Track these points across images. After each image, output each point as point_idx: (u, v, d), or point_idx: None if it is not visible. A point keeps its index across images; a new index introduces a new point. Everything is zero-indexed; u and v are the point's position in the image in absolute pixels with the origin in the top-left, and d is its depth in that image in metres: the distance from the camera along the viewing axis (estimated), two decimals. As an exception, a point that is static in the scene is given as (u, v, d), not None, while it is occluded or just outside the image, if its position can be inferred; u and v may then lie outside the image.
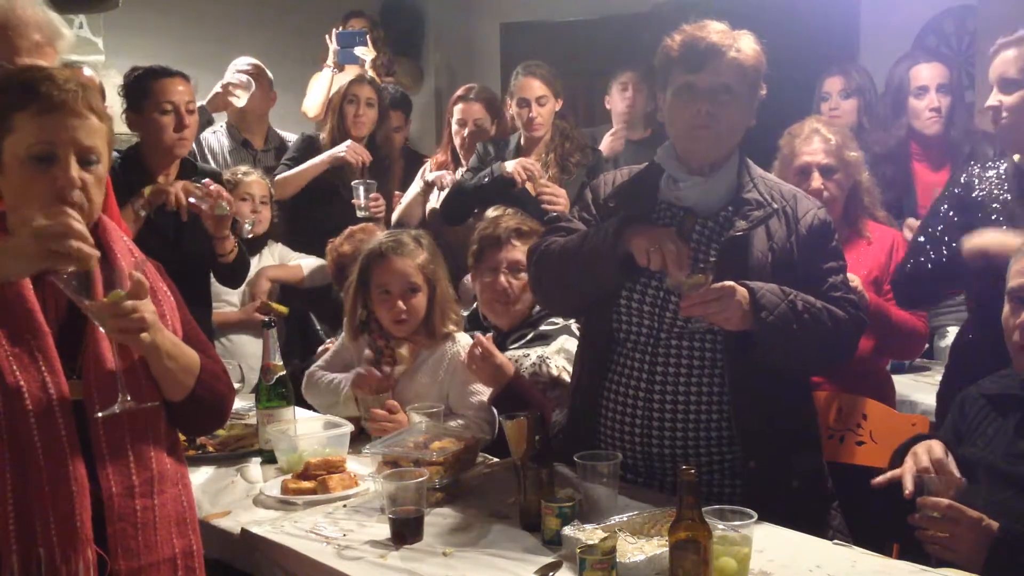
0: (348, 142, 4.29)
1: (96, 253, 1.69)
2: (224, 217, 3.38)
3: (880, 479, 2.21)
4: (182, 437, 2.41)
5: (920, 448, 2.18)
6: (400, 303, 2.83)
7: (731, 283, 2.15)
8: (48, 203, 1.72)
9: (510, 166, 3.84)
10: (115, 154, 3.76)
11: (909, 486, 2.10)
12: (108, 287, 1.73)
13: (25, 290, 1.75)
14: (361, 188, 4.16)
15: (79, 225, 1.67)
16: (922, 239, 2.79)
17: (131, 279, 1.73)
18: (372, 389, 2.79)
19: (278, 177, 4.31)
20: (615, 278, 2.32)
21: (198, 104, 4.25)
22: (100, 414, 1.76)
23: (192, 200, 3.32)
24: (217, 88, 4.47)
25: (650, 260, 2.18)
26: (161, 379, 1.85)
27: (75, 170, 1.75)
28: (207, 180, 3.41)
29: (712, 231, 2.33)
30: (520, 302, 3.03)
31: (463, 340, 2.89)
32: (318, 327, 3.66)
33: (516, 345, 2.99)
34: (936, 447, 2.17)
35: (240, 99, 4.43)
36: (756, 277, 2.22)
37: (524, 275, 3.00)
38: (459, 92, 4.43)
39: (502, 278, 3.01)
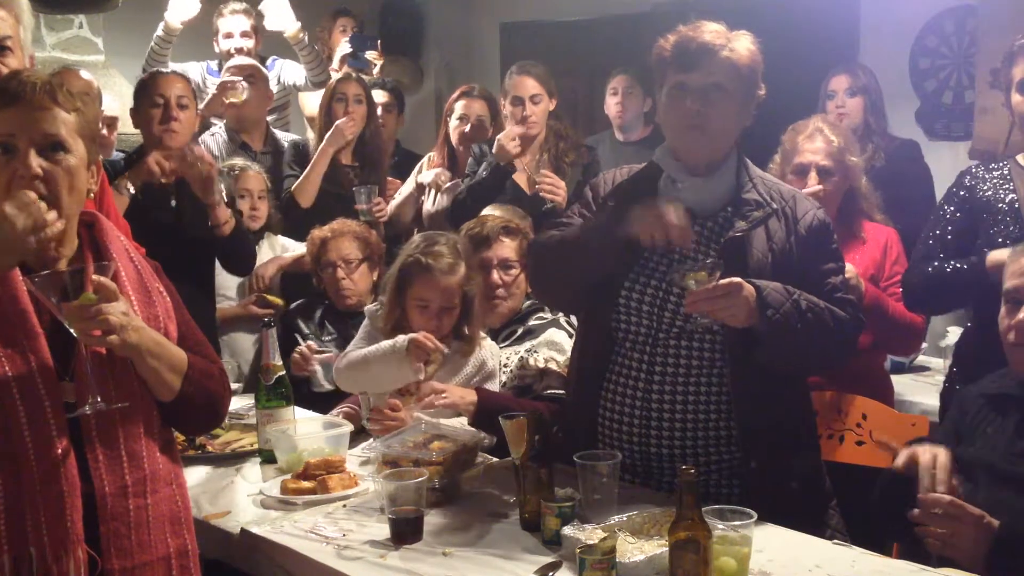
0: (337, 123, 4.28)
1: (58, 225, 1.72)
2: (208, 179, 3.40)
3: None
4: (181, 437, 2.42)
5: (927, 446, 2.16)
6: (434, 320, 2.81)
7: (738, 279, 2.15)
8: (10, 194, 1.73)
9: (496, 145, 3.87)
10: (120, 154, 3.82)
11: (901, 460, 2.11)
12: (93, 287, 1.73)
13: (19, 292, 1.75)
14: (363, 192, 4.18)
15: (37, 209, 1.70)
16: (931, 243, 2.78)
17: (92, 283, 1.72)
18: (425, 357, 2.69)
19: (295, 186, 4.31)
20: (615, 263, 2.31)
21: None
22: (71, 415, 1.75)
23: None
24: (213, 90, 4.49)
25: (654, 237, 2.17)
26: (147, 378, 1.85)
27: (34, 159, 1.74)
28: (191, 146, 3.46)
29: (712, 231, 2.32)
30: (512, 298, 3.04)
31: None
32: (306, 331, 3.64)
33: (505, 343, 3.00)
34: (942, 454, 2.14)
35: (237, 97, 4.43)
36: (756, 277, 2.21)
37: (514, 271, 3.02)
38: (462, 89, 4.49)
39: (495, 275, 3.01)
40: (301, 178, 4.32)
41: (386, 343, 2.77)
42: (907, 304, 2.97)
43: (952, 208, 2.81)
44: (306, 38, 4.96)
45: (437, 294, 2.81)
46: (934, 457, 2.11)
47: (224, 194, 3.59)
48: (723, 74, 2.26)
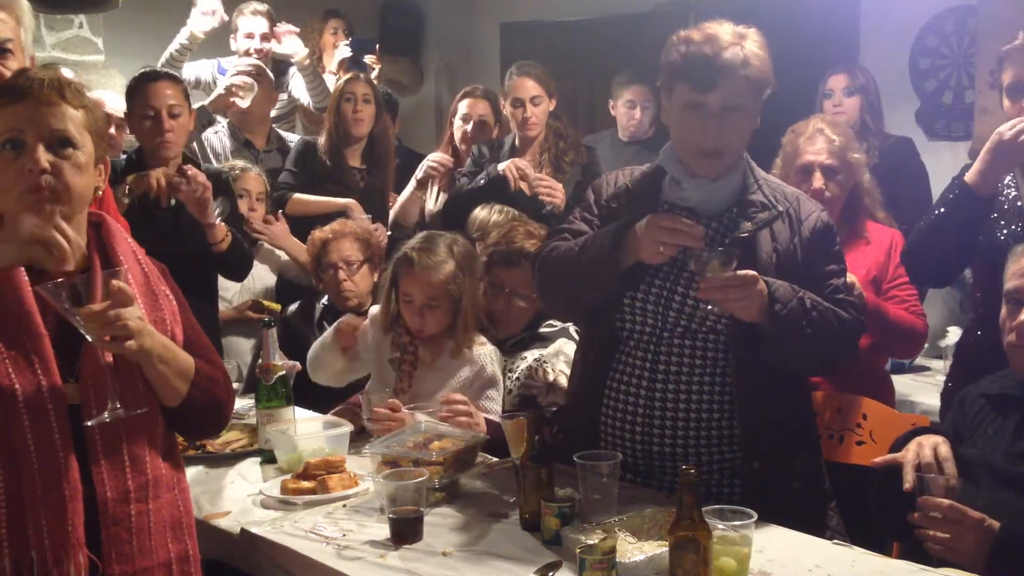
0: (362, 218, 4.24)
1: (67, 256, 1.70)
2: (203, 200, 3.38)
3: (880, 459, 2.22)
4: (181, 438, 2.42)
5: (925, 440, 2.17)
6: (417, 317, 2.84)
7: (754, 272, 2.15)
8: (20, 189, 1.73)
9: (503, 167, 3.85)
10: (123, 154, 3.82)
11: (909, 479, 2.11)
12: (108, 291, 1.73)
13: (23, 292, 1.75)
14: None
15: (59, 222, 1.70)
16: (932, 217, 2.75)
17: (111, 288, 1.72)
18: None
19: (297, 195, 4.32)
20: (618, 286, 2.31)
21: (200, 104, 4.29)
22: (89, 423, 1.75)
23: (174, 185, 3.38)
24: (220, 90, 4.49)
25: (665, 252, 2.17)
26: (155, 384, 1.84)
27: (43, 154, 1.74)
28: (187, 165, 3.44)
29: (716, 232, 2.32)
30: (515, 321, 3.03)
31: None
32: (305, 332, 3.64)
33: (513, 348, 2.99)
34: (942, 445, 2.16)
35: (244, 100, 4.46)
36: (760, 278, 2.22)
37: (524, 301, 3.00)
38: (466, 89, 4.48)
39: (502, 300, 3.01)
40: (308, 199, 4.30)
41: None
42: (912, 277, 2.95)
43: (954, 196, 2.78)
44: (311, 64, 4.97)
45: (418, 289, 2.83)
46: (932, 447, 2.12)
47: (221, 213, 3.56)
48: (742, 94, 2.23)
